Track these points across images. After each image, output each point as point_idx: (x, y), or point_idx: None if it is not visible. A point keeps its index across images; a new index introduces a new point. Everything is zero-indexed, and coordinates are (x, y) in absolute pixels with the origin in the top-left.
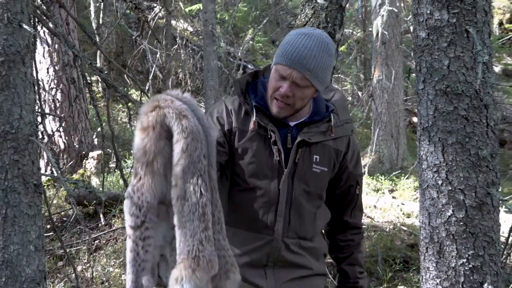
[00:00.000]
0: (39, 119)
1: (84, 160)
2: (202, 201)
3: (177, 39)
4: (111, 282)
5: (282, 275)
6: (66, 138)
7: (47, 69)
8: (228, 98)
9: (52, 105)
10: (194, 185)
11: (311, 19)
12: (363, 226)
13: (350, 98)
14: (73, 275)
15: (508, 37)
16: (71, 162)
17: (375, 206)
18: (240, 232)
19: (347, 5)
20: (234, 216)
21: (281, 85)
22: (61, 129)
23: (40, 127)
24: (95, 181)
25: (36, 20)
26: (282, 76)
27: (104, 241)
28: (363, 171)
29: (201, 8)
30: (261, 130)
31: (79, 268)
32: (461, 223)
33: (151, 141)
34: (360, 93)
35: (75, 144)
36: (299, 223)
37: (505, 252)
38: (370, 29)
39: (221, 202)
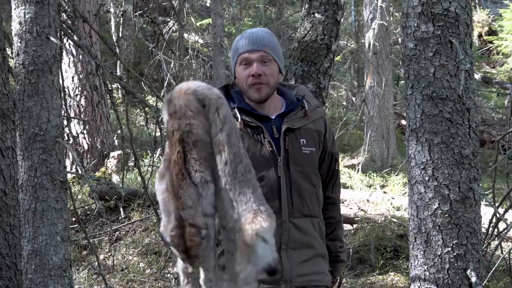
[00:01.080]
0: (65, 122)
1: (106, 160)
2: (249, 162)
3: (189, 50)
4: (130, 269)
5: (294, 257)
6: (90, 139)
7: (72, 77)
8: None
9: (77, 110)
10: (241, 147)
11: (310, 32)
12: (357, 218)
13: (344, 103)
14: (96, 263)
15: (486, 47)
16: (94, 161)
17: (368, 200)
18: None
19: (342, 19)
20: None
21: (250, 70)
22: (85, 132)
23: (66, 129)
24: (115, 178)
25: (62, 33)
26: (248, 61)
27: (123, 232)
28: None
29: (211, 22)
30: (247, 129)
31: (101, 257)
32: (446, 215)
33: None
34: (354, 99)
35: (97, 145)
36: (301, 202)
37: (486, 242)
38: (362, 40)
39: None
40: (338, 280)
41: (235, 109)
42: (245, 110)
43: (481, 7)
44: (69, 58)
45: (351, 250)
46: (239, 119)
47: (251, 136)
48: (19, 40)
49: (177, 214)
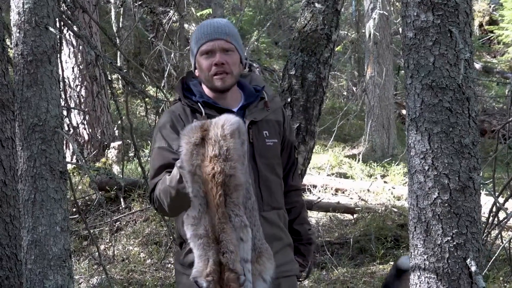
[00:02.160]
0: (65, 113)
1: (106, 150)
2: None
3: (189, 41)
4: (131, 260)
5: None
6: (90, 130)
7: (72, 68)
8: (168, 109)
9: (77, 101)
10: (250, 182)
11: (310, 22)
12: (357, 208)
13: (345, 93)
14: (97, 253)
15: (487, 37)
16: (94, 152)
17: (368, 190)
18: None
19: (342, 9)
20: None
21: (212, 59)
22: (85, 122)
23: (66, 120)
24: (116, 169)
25: (62, 23)
26: (209, 51)
27: (124, 223)
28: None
29: (211, 12)
30: None
31: (102, 247)
32: (446, 205)
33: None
34: (354, 88)
35: (97, 135)
36: (269, 195)
37: (485, 231)
38: (363, 30)
39: None
40: (310, 263)
41: (199, 103)
42: (208, 103)
43: None
44: (69, 49)
45: (351, 240)
46: (203, 113)
47: None
48: (18, 31)
49: (216, 258)
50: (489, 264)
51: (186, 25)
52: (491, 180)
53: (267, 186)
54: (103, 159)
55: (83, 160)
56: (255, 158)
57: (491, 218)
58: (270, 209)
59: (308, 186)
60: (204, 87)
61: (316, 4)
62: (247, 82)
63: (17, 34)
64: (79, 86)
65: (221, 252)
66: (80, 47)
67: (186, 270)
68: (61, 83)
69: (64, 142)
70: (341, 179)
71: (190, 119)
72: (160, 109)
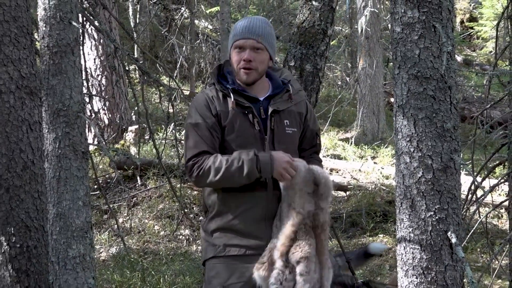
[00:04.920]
0: (87, 99)
1: (124, 133)
2: None
3: (199, 35)
4: (146, 232)
5: (271, 225)
6: (110, 115)
7: (94, 59)
8: (204, 90)
9: (98, 88)
10: None
11: (308, 18)
12: (350, 186)
13: (339, 83)
14: (115, 226)
15: (468, 33)
16: (114, 135)
17: (360, 170)
18: (237, 194)
19: (337, 7)
20: None
21: (242, 55)
22: (105, 108)
23: (88, 106)
24: (133, 150)
25: (84, 19)
26: (241, 47)
27: (140, 198)
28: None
29: (219, 9)
30: (239, 108)
31: (120, 220)
32: (429, 183)
33: None
34: (347, 79)
35: (116, 120)
36: None
37: (465, 207)
38: (355, 26)
39: None
40: None
41: (229, 90)
42: (237, 91)
43: None
44: (91, 42)
45: (344, 214)
46: (232, 99)
47: (242, 115)
48: (44, 25)
49: None
50: (468, 236)
51: (196, 21)
52: (470, 161)
53: None
54: (121, 141)
55: (103, 142)
56: (274, 143)
57: (469, 196)
58: (280, 188)
59: None
60: None
61: (314, 2)
62: (278, 75)
63: (44, 28)
64: (100, 76)
65: None
66: (101, 40)
67: (208, 237)
68: (83, 72)
69: (86, 125)
70: (335, 160)
71: (222, 102)
72: (173, 96)
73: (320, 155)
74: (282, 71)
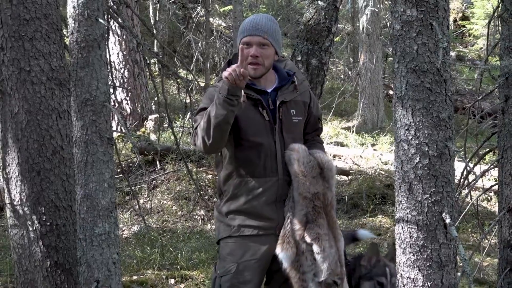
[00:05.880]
0: (111, 90)
1: (145, 121)
2: None
3: (213, 32)
4: (165, 212)
5: (282, 208)
6: (132, 105)
7: (118, 53)
8: (215, 84)
9: (121, 80)
10: None
11: (314, 16)
12: (351, 171)
13: (342, 76)
14: (137, 206)
15: (460, 30)
16: (135, 123)
17: (360, 156)
18: (251, 180)
19: (340, 6)
20: (243, 169)
21: (249, 51)
22: (127, 98)
23: (112, 96)
24: (153, 137)
25: (109, 16)
26: (248, 43)
27: (159, 181)
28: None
29: (232, 8)
30: (249, 100)
31: (141, 201)
32: (426, 168)
33: None
34: (350, 72)
35: (138, 109)
36: None
37: (458, 190)
38: (357, 24)
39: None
40: None
41: None
42: (247, 84)
43: None
44: (115, 38)
45: (346, 197)
46: (243, 92)
47: (252, 106)
48: (73, 22)
49: None
50: (460, 217)
51: (211, 19)
52: (463, 148)
53: None
54: (142, 129)
55: (126, 129)
56: (282, 131)
57: (462, 180)
58: (288, 174)
59: None
60: None
61: (319, 2)
62: (282, 66)
63: (73, 25)
64: (122, 69)
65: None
66: (124, 36)
67: (222, 218)
68: (108, 65)
69: (111, 114)
70: (338, 147)
71: None
72: (189, 88)
73: (324, 143)
74: (286, 62)
